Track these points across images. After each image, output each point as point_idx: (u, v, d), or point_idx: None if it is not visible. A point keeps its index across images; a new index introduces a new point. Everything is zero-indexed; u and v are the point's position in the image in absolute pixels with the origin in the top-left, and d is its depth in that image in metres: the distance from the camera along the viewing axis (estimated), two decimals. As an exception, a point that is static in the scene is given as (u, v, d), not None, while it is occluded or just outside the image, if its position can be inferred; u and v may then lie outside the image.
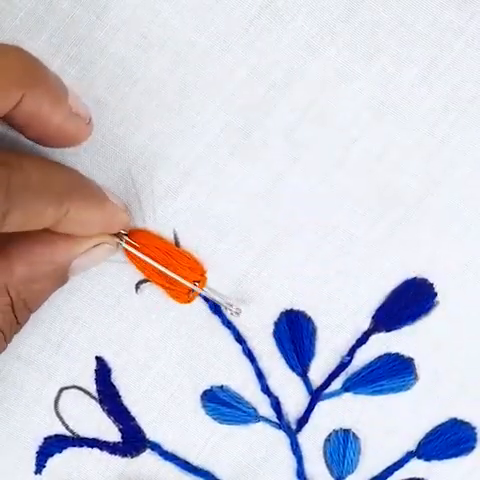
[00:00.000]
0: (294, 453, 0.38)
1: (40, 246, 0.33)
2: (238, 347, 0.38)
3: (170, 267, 0.36)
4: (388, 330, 0.37)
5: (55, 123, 0.31)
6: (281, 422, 0.38)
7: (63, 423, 0.38)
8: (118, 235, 0.36)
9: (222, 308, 0.37)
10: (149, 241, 0.36)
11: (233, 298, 0.37)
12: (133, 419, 0.38)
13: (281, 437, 0.38)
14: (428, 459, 0.39)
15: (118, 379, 0.38)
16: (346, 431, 0.38)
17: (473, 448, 0.39)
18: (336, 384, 0.38)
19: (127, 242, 0.36)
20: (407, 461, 0.39)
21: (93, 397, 0.38)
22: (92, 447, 0.38)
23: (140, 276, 0.37)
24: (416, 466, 0.39)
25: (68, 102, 0.31)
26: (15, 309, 0.33)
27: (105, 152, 0.36)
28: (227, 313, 0.37)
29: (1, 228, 0.29)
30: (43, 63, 0.31)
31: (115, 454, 0.38)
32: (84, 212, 0.32)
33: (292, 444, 0.38)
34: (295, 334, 0.37)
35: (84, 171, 0.36)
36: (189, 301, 0.37)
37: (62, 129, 0.31)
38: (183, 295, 0.36)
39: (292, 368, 0.38)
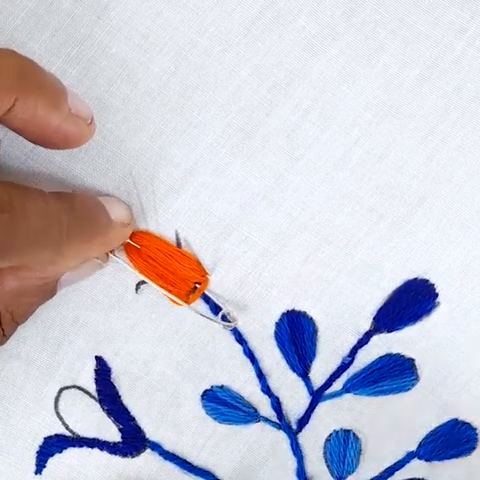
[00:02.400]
0: (294, 453, 0.39)
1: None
2: (239, 347, 0.38)
3: (170, 268, 0.36)
4: (389, 331, 0.38)
5: (53, 125, 0.31)
6: (281, 422, 0.38)
7: (63, 423, 0.39)
8: None
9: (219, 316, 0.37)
10: (150, 242, 0.36)
11: (231, 304, 0.38)
12: (133, 419, 0.39)
13: (281, 437, 0.39)
14: (429, 459, 0.39)
15: (118, 379, 0.38)
16: (347, 431, 0.39)
17: (474, 449, 0.39)
18: (337, 385, 0.38)
19: (127, 244, 0.36)
20: (408, 461, 0.39)
21: (93, 397, 0.38)
22: (92, 447, 0.39)
23: (140, 276, 0.37)
24: (417, 466, 0.39)
25: (67, 103, 0.31)
26: (2, 322, 0.33)
27: (106, 153, 0.36)
28: (221, 325, 0.37)
29: None
30: (38, 65, 0.30)
31: (115, 454, 0.39)
32: (83, 250, 0.33)
33: (292, 444, 0.39)
34: (296, 335, 0.38)
35: (85, 173, 0.36)
36: (188, 302, 0.37)
37: (61, 131, 0.31)
38: (182, 296, 0.37)
39: (293, 369, 0.38)
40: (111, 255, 0.36)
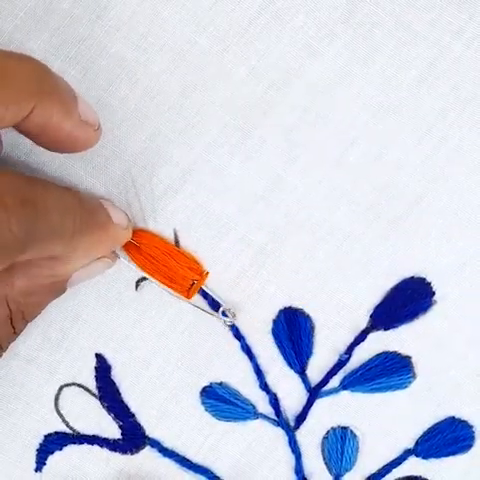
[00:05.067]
0: (292, 450, 0.39)
1: (41, 260, 0.33)
2: (237, 344, 0.38)
3: (169, 267, 0.37)
4: (386, 328, 0.38)
5: (64, 132, 0.31)
6: (279, 419, 0.39)
7: (63, 420, 0.39)
8: None
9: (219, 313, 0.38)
10: (149, 241, 0.37)
11: (229, 301, 0.38)
12: (133, 416, 0.39)
13: (279, 434, 0.39)
14: (426, 457, 0.39)
15: (118, 376, 0.39)
16: (344, 429, 0.39)
17: (471, 446, 0.39)
18: (334, 382, 0.39)
19: (127, 242, 0.37)
20: (405, 459, 0.39)
21: (93, 394, 0.39)
22: (92, 444, 0.39)
23: (140, 273, 0.37)
24: (414, 464, 0.39)
25: (77, 111, 0.32)
26: (13, 320, 0.34)
27: (105, 152, 0.36)
28: (221, 321, 0.38)
29: (9, 261, 0.30)
30: (53, 72, 0.31)
31: (115, 451, 0.39)
32: (90, 246, 0.33)
33: (290, 441, 0.39)
34: (293, 332, 0.38)
35: (84, 172, 0.37)
36: (189, 297, 0.37)
37: (71, 137, 0.32)
38: (183, 292, 0.37)
39: (290, 366, 0.38)
40: (116, 253, 0.37)
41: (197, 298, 0.38)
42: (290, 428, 0.39)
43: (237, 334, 0.38)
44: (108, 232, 0.34)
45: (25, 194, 0.29)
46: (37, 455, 0.39)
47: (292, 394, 0.39)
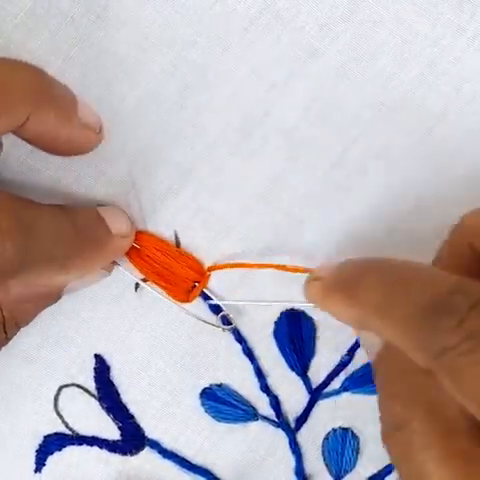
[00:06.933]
0: (293, 452, 0.39)
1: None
2: (238, 346, 0.38)
3: (169, 268, 0.37)
4: (387, 329, 0.38)
5: (64, 137, 0.31)
6: (280, 421, 0.39)
7: (63, 421, 0.39)
8: None
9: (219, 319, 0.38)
10: (149, 242, 0.37)
11: (231, 306, 0.38)
12: (132, 417, 0.39)
13: (280, 436, 0.39)
14: (426, 458, 0.39)
15: (117, 377, 0.39)
16: (345, 430, 0.39)
17: (471, 447, 0.39)
18: (335, 383, 0.39)
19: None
20: (405, 460, 0.40)
21: (92, 395, 0.39)
22: (91, 445, 0.39)
23: (140, 274, 0.37)
24: (414, 465, 0.40)
25: (77, 115, 0.32)
26: (6, 326, 0.34)
27: (105, 153, 0.36)
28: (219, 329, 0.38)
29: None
30: (51, 77, 0.31)
31: (114, 452, 0.39)
32: (84, 265, 0.34)
33: (291, 443, 0.39)
34: (295, 334, 0.38)
35: (84, 173, 0.37)
36: (188, 301, 0.38)
37: (70, 142, 0.32)
38: (182, 295, 0.37)
39: (292, 367, 0.38)
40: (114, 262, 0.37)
41: (198, 301, 0.38)
42: (291, 429, 0.39)
43: (238, 337, 0.38)
44: (105, 250, 0.34)
45: (21, 217, 0.29)
46: (36, 456, 0.39)
47: (293, 396, 0.39)
